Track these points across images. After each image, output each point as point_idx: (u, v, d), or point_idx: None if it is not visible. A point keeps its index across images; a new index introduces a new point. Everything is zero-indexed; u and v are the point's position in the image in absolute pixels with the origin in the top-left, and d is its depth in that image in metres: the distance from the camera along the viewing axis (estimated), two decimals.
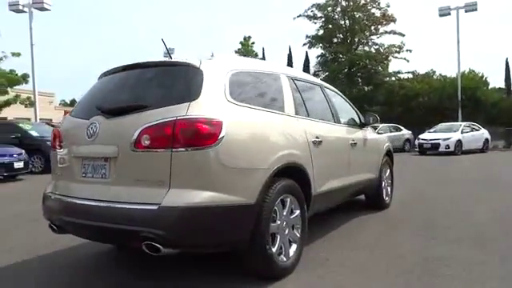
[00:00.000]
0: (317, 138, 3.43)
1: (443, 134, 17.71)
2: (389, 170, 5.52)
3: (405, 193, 6.35)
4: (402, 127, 21.15)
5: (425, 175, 9.64)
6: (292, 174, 3.00)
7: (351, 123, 4.63)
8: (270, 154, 2.75)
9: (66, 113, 34.02)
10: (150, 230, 2.29)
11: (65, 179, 2.91)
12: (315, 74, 31.02)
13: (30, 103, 20.95)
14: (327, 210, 4.04)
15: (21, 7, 21.38)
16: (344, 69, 31.28)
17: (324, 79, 30.56)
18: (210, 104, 2.53)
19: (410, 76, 31.38)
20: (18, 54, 19.04)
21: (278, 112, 3.12)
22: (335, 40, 32.07)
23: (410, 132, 21.22)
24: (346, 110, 4.69)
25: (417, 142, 18.46)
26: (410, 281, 2.76)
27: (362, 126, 4.80)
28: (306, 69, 31.98)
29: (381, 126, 18.39)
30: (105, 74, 3.18)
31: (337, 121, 4.14)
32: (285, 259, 2.89)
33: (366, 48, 31.92)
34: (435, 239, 3.74)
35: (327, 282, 2.79)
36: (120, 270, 3.21)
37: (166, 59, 2.92)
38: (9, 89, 19.83)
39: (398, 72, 31.53)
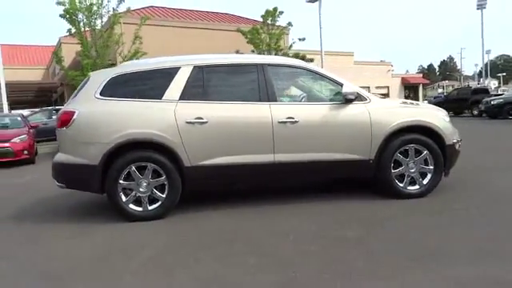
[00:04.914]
0: (198, 118, 4.03)
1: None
2: (425, 152, 4.40)
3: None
4: None
5: None
6: (150, 147, 3.99)
7: (312, 100, 4.50)
8: (112, 133, 3.93)
9: (403, 80, 36.23)
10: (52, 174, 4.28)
11: None
12: None
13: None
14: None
15: None
16: None
17: None
18: (79, 101, 4.11)
19: None
20: (303, 39, 23.06)
21: (147, 100, 4.08)
22: None
23: None
24: (311, 87, 4.53)
25: None
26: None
27: (347, 101, 4.33)
28: None
29: None
30: None
31: (267, 99, 4.17)
32: (140, 209, 4.02)
33: None
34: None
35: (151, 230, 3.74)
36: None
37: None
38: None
39: None
